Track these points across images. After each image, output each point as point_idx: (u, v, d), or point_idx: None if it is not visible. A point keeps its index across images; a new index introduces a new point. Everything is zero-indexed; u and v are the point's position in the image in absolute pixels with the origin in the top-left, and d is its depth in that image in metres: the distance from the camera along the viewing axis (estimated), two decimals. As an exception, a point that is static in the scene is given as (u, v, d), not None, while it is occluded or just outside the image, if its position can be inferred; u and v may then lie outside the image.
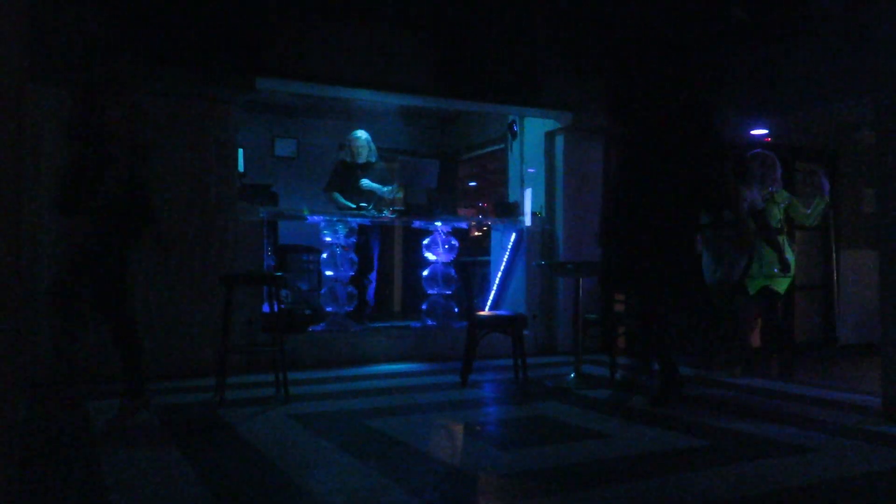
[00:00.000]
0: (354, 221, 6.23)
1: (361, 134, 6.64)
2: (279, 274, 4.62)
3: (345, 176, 6.59)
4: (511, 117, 7.32)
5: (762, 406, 4.37)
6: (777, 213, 5.33)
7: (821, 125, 6.81)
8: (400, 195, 6.80)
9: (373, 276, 7.01)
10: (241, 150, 6.25)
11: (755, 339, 5.92)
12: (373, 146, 6.65)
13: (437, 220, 6.40)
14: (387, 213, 6.33)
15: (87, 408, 4.09)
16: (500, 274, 6.96)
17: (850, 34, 4.96)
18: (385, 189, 6.52)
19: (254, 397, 4.46)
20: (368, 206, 6.30)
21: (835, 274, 7.23)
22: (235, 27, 5.31)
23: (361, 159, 6.57)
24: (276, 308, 4.55)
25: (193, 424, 3.79)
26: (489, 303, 7.02)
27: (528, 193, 7.10)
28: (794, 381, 5.26)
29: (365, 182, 6.50)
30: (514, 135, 7.37)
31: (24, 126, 2.24)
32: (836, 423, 3.86)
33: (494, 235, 7.23)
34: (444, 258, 6.55)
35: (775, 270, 5.24)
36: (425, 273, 6.62)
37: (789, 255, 5.26)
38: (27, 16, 2.26)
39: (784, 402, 4.51)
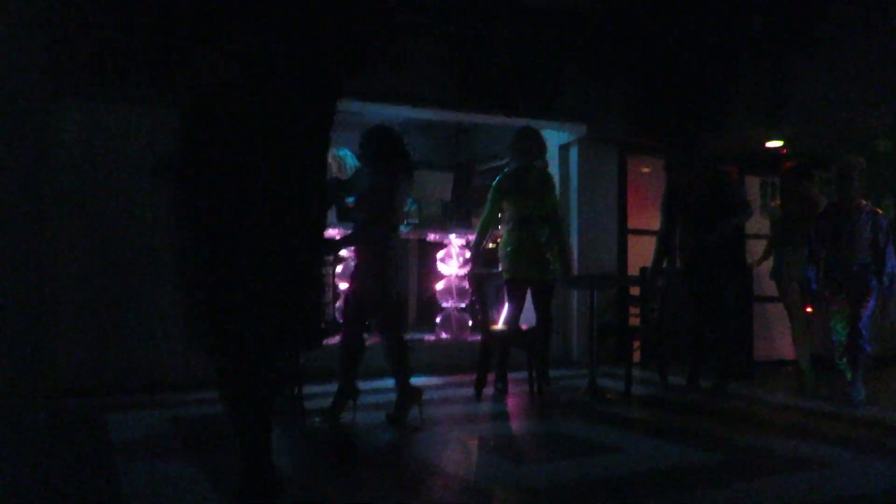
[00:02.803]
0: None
1: (342, 152, 6.69)
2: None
3: (332, 192, 6.66)
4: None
5: (777, 420, 4.34)
6: None
7: (836, 135, 6.76)
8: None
9: None
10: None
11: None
12: (354, 160, 6.70)
13: (451, 233, 6.41)
14: (403, 227, 6.34)
15: (107, 419, 4.12)
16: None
17: (868, 44, 4.95)
18: None
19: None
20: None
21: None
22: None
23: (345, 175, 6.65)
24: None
25: (211, 436, 3.81)
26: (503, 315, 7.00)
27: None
28: (811, 395, 5.22)
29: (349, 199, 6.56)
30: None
31: (48, 138, 2.28)
32: (853, 439, 3.82)
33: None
34: (459, 271, 6.56)
35: None
36: (439, 286, 6.63)
37: None
38: (48, 30, 2.30)
39: (800, 416, 4.48)
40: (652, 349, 6.17)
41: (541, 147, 5.17)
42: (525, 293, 5.09)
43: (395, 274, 4.09)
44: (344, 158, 6.68)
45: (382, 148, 4.14)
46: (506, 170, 5.21)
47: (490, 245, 7.45)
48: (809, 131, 6.31)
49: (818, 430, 4.05)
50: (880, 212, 4.95)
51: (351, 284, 4.31)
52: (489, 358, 5.06)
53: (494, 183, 5.17)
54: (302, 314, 2.19)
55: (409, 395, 4.08)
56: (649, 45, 6.31)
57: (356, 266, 4.35)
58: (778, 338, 7.50)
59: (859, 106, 5.46)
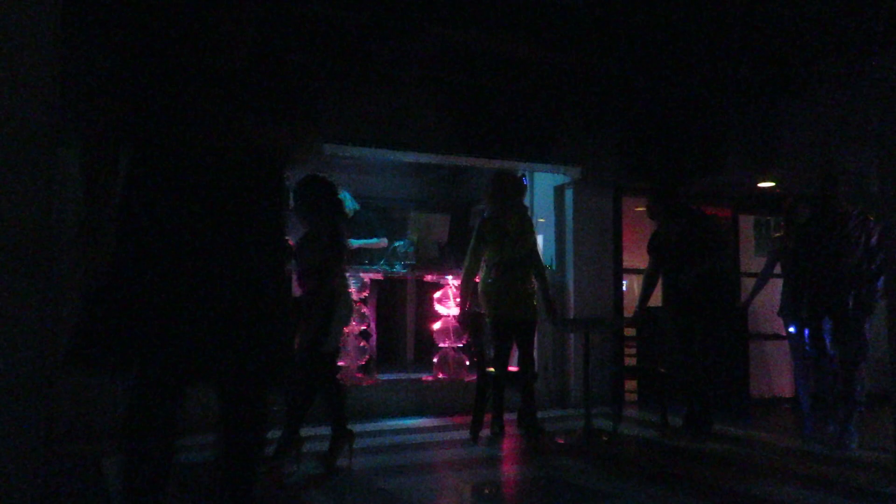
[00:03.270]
0: (367, 276, 6.32)
1: (343, 195, 6.79)
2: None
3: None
4: (521, 171, 7.44)
5: (771, 464, 4.35)
6: None
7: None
8: (400, 245, 6.87)
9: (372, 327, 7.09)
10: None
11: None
12: (354, 202, 6.80)
13: (448, 274, 6.47)
14: (398, 268, 6.42)
15: (103, 464, 4.13)
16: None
17: (848, 93, 5.08)
18: (373, 241, 6.66)
19: (266, 454, 4.48)
20: (372, 261, 6.46)
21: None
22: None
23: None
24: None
25: (208, 482, 3.82)
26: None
27: (539, 244, 7.17)
28: (810, 437, 5.24)
29: (352, 241, 6.64)
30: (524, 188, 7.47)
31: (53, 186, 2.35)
32: (848, 483, 3.83)
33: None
34: (455, 311, 6.60)
35: None
36: (436, 326, 6.67)
37: None
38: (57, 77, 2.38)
39: (792, 459, 4.49)
40: (650, 389, 6.20)
41: (517, 190, 5.20)
42: (510, 334, 5.05)
43: (330, 324, 4.09)
44: (343, 200, 6.78)
45: (319, 198, 4.18)
46: (484, 215, 5.26)
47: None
48: (800, 172, 6.40)
49: (816, 475, 4.06)
50: (872, 217, 4.86)
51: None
52: (485, 399, 5.09)
53: (475, 229, 5.20)
54: (263, 352, 2.16)
55: (342, 439, 4.16)
56: (642, 92, 6.45)
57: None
58: (775, 375, 7.54)
59: (848, 148, 5.55)
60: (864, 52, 4.78)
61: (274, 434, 4.18)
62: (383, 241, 6.78)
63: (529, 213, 7.34)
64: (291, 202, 4.22)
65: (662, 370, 5.59)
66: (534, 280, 5.15)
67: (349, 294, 4.45)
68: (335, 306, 4.09)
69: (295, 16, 5.00)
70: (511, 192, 5.13)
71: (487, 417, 5.13)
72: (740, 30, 5.13)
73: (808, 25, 4.88)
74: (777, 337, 7.44)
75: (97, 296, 2.01)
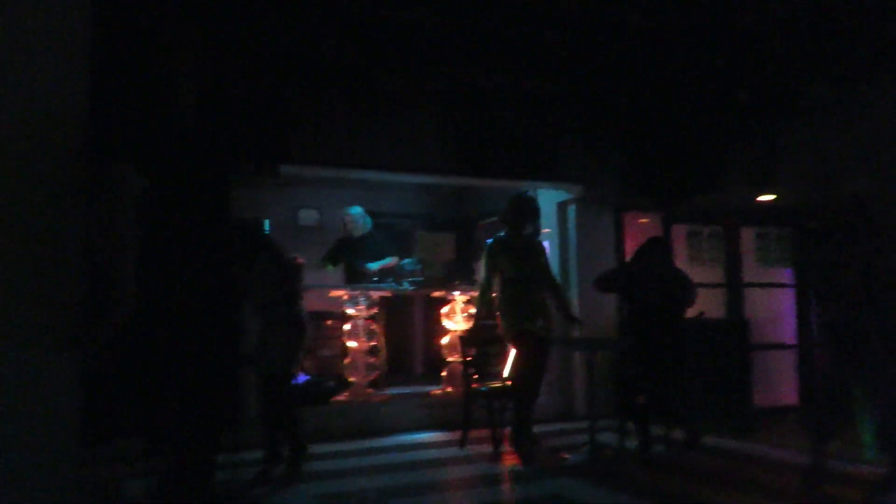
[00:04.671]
0: (376, 294, 6.51)
1: (355, 210, 7.05)
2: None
3: (341, 250, 7.01)
4: (524, 189, 7.58)
5: (772, 480, 4.47)
6: None
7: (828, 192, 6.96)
8: (408, 264, 7.05)
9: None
10: (266, 223, 6.66)
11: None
12: (367, 219, 7.06)
13: (454, 290, 6.63)
14: (406, 285, 6.59)
15: (124, 487, 4.30)
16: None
17: (843, 117, 5.22)
18: (387, 261, 6.86)
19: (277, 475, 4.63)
20: (381, 279, 6.66)
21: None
22: (260, 118, 5.67)
23: (356, 233, 6.97)
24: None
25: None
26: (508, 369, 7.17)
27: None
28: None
29: (370, 266, 6.84)
30: (527, 204, 7.62)
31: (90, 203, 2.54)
32: (836, 498, 3.95)
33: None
34: (463, 325, 6.75)
35: None
36: (444, 340, 6.82)
37: None
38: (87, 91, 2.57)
39: (780, 472, 4.61)
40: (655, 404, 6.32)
41: (531, 215, 5.38)
42: (533, 344, 5.16)
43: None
44: (355, 216, 7.01)
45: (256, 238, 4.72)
46: (498, 234, 5.43)
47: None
48: (800, 189, 6.52)
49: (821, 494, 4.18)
50: None
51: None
52: (469, 413, 5.33)
53: (486, 246, 5.39)
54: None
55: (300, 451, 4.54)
56: (644, 111, 6.58)
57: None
58: (781, 384, 7.64)
59: (848, 166, 5.65)
60: (862, 78, 4.91)
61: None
62: (394, 260, 6.98)
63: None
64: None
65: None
66: (547, 297, 5.32)
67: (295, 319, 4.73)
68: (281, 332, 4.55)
69: (306, 47, 5.17)
70: (524, 215, 5.34)
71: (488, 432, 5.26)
72: (742, 51, 5.25)
73: (806, 49, 5.00)
74: (779, 346, 7.57)
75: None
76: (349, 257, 7.09)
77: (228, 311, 2.77)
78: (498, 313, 5.31)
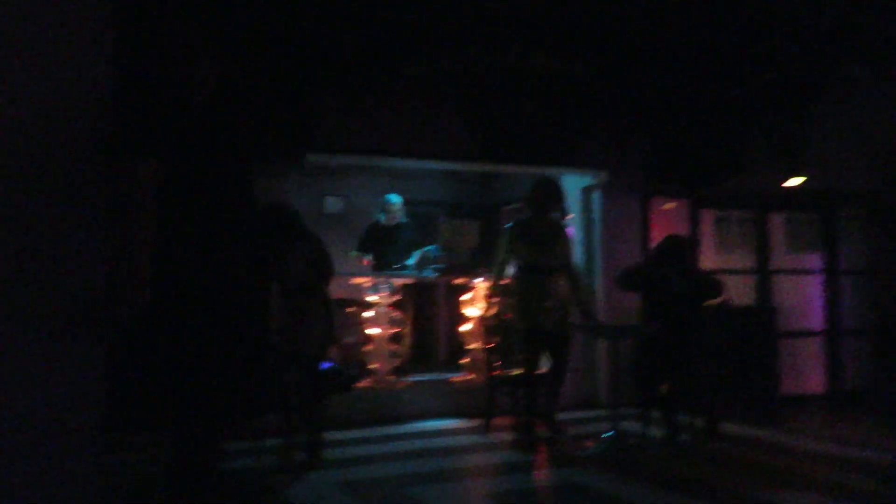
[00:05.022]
0: (398, 281, 6.52)
1: (395, 199, 7.04)
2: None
3: (376, 237, 7.00)
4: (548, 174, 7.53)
5: (787, 469, 4.42)
6: None
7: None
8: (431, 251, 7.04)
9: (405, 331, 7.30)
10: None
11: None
12: (404, 210, 7.04)
13: (476, 278, 6.62)
14: (428, 273, 6.60)
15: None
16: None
17: (877, 98, 5.08)
18: (420, 252, 6.85)
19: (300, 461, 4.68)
20: (411, 266, 6.66)
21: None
22: (286, 106, 5.69)
23: (394, 222, 6.97)
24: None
25: (245, 490, 4.04)
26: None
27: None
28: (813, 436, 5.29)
29: (407, 262, 6.83)
30: (552, 190, 7.56)
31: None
32: (857, 489, 3.90)
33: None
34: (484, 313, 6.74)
35: None
36: (466, 327, 6.82)
37: None
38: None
39: (802, 461, 4.56)
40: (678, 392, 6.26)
41: (556, 199, 5.29)
42: (539, 341, 5.14)
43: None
44: (395, 204, 7.03)
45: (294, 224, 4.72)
46: (519, 217, 5.37)
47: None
48: (830, 169, 6.38)
49: (834, 481, 4.13)
50: None
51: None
52: (493, 401, 5.35)
53: (506, 229, 5.30)
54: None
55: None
56: (670, 96, 6.48)
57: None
58: (808, 372, 7.54)
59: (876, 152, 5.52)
60: (888, 61, 4.78)
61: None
62: (430, 250, 6.95)
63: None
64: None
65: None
66: (566, 288, 5.20)
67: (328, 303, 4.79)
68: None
69: (325, 35, 5.15)
70: (548, 199, 5.23)
71: (510, 420, 5.26)
72: (770, 32, 5.14)
73: (837, 28, 4.88)
74: (808, 333, 7.45)
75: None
76: (383, 246, 7.06)
77: (255, 298, 2.80)
78: (511, 301, 5.23)
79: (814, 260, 7.60)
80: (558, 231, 5.29)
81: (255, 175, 4.41)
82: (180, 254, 2.54)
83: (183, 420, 2.47)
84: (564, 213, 5.42)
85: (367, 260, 6.94)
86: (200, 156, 2.67)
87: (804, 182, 6.91)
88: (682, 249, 5.54)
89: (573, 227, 7.24)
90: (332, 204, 8.82)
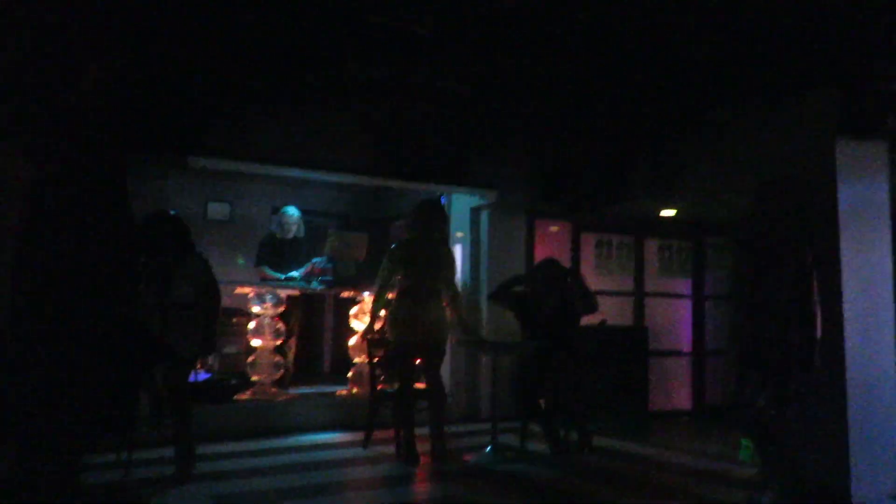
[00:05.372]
0: (283, 292, 6.41)
1: (293, 212, 6.93)
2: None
3: (272, 250, 6.83)
4: (439, 193, 7.63)
5: (653, 480, 4.68)
6: None
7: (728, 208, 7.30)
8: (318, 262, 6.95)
9: (291, 342, 7.16)
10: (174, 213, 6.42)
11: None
12: (302, 223, 6.94)
13: (364, 291, 6.61)
14: (315, 284, 6.52)
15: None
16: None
17: (737, 137, 5.53)
18: (308, 265, 6.75)
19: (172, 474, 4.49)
20: (297, 277, 6.53)
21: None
22: (168, 108, 5.50)
23: (290, 235, 6.86)
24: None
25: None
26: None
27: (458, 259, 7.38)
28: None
29: (294, 273, 6.72)
30: (442, 207, 7.67)
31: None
32: (718, 500, 4.17)
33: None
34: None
35: None
36: (352, 341, 6.78)
37: None
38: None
39: (670, 475, 4.84)
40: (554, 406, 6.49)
41: (440, 220, 5.30)
42: (413, 359, 5.15)
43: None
44: (293, 217, 6.89)
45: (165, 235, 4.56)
46: (402, 238, 5.39)
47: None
48: (701, 204, 6.83)
49: (700, 492, 4.40)
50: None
51: None
52: (374, 415, 5.40)
53: (389, 250, 5.26)
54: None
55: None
56: (556, 124, 6.76)
57: None
58: (676, 389, 8.00)
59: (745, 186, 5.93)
60: (755, 101, 5.20)
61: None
62: (318, 262, 6.80)
63: (448, 232, 7.59)
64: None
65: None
66: (447, 309, 5.20)
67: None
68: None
69: (221, 37, 5.02)
70: (432, 220, 5.20)
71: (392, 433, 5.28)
72: (649, 69, 5.45)
73: (711, 70, 5.25)
74: (676, 353, 7.92)
75: None
76: (279, 259, 6.88)
77: (124, 305, 2.67)
78: (390, 318, 5.22)
79: (683, 284, 8.11)
80: (441, 252, 5.25)
81: (130, 175, 4.24)
82: (47, 251, 2.39)
83: (34, 429, 2.31)
84: (446, 237, 5.47)
85: (266, 273, 6.74)
86: (72, 149, 2.55)
87: (677, 212, 7.38)
88: (555, 273, 5.76)
89: (460, 246, 7.39)
90: (217, 210, 8.55)
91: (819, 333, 4.09)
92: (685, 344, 8.01)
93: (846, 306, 4.42)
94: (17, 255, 2.30)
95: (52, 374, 2.30)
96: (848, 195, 4.56)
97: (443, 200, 7.64)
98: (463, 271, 7.29)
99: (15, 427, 2.29)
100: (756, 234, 4.35)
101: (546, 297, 5.66)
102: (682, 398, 7.96)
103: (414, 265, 5.09)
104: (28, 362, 2.31)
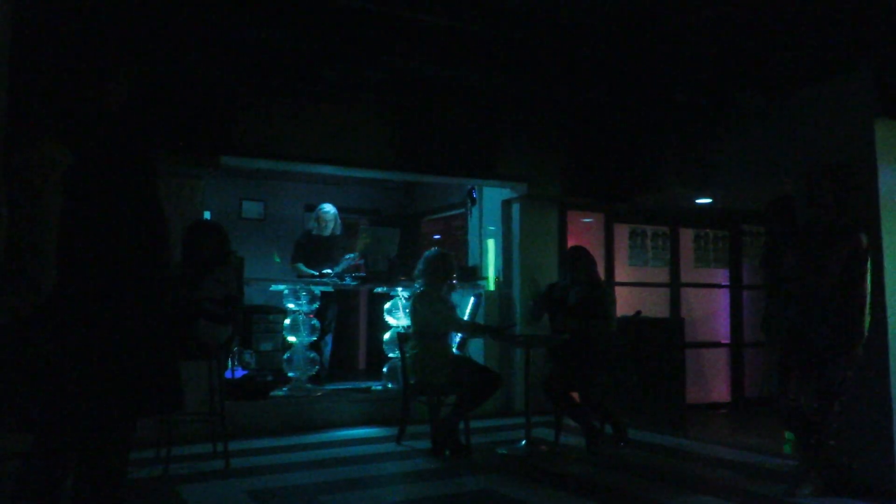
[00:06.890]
0: (317, 289, 6.46)
1: (330, 208, 6.99)
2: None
3: (308, 247, 6.89)
4: (470, 185, 7.63)
5: (691, 474, 4.61)
6: None
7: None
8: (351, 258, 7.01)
9: (328, 338, 7.21)
10: (207, 214, 6.53)
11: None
12: (338, 220, 7.00)
13: (397, 286, 6.63)
14: (348, 281, 6.55)
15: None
16: (458, 338, 7.16)
17: (770, 123, 5.40)
18: (350, 256, 6.80)
19: (211, 470, 4.56)
20: (332, 273, 6.58)
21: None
22: (202, 107, 5.57)
23: (327, 232, 6.93)
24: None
25: (149, 499, 3.92)
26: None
27: (490, 255, 7.37)
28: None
29: (332, 270, 6.76)
30: (473, 201, 7.67)
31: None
32: (756, 493, 4.10)
33: (454, 298, 7.45)
34: (405, 322, 6.75)
35: None
36: (386, 336, 6.81)
37: None
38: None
39: (707, 468, 4.76)
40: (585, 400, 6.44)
41: (445, 273, 5.43)
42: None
43: None
44: (330, 214, 6.98)
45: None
46: (414, 290, 5.56)
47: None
48: (734, 191, 6.69)
49: (734, 486, 4.32)
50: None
51: None
52: (408, 409, 5.40)
53: (406, 300, 5.56)
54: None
55: None
56: (586, 114, 6.69)
57: None
58: (713, 381, 7.88)
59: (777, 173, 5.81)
60: (788, 87, 5.08)
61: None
62: (355, 257, 6.87)
63: (479, 225, 7.58)
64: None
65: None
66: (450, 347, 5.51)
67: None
68: None
69: (246, 38, 5.07)
70: (436, 274, 5.37)
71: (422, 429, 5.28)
72: (678, 58, 5.36)
73: (735, 59, 5.15)
74: (714, 344, 7.79)
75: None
76: (316, 255, 6.95)
77: (155, 297, 2.68)
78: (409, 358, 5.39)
79: (720, 274, 7.97)
80: (437, 308, 5.35)
81: (166, 175, 4.30)
82: (82, 245, 2.44)
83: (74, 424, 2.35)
84: (453, 286, 5.56)
85: (301, 271, 6.82)
86: (108, 147, 2.59)
87: (712, 201, 7.24)
88: (576, 260, 5.66)
89: (493, 240, 7.37)
90: (251, 209, 8.66)
91: (867, 323, 4.00)
92: (723, 335, 7.88)
93: (889, 296, 4.30)
94: (58, 236, 2.38)
95: (97, 355, 2.34)
96: (889, 178, 4.43)
97: (474, 195, 7.65)
98: (495, 265, 7.28)
99: (59, 415, 2.34)
100: (804, 221, 4.24)
101: (568, 289, 5.59)
102: (720, 390, 7.83)
103: (415, 314, 5.43)
104: (71, 347, 2.35)
